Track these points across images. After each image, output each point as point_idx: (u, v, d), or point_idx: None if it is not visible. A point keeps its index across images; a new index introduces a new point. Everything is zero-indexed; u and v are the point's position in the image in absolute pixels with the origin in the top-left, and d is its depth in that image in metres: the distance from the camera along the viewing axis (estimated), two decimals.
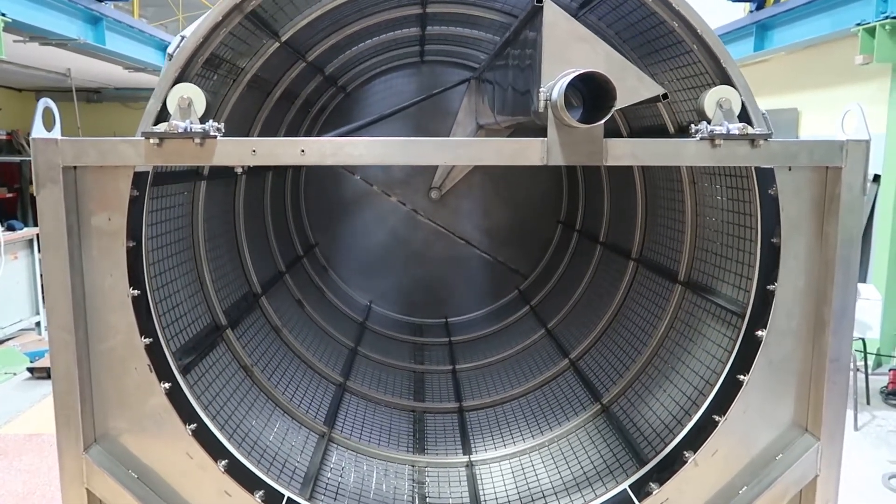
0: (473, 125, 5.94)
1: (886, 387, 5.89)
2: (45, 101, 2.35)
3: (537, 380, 4.23)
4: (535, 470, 3.41)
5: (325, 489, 3.05)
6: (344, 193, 6.00)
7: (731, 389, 2.67)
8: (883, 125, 6.68)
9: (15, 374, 6.64)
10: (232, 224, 3.77)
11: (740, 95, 2.48)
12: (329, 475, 3.18)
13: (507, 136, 4.63)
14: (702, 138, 2.38)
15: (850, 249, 2.48)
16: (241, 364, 3.36)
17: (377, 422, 3.84)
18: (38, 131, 2.29)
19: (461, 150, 2.39)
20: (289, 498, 2.73)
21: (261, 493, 2.62)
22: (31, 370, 6.54)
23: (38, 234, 8.13)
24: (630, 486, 2.81)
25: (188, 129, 2.28)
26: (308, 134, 5.28)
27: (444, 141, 2.36)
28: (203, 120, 2.34)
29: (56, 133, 2.33)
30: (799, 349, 2.63)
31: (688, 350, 3.17)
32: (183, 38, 2.94)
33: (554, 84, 2.30)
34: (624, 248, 4.24)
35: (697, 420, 2.76)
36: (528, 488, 3.27)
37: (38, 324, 7.95)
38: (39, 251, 8.35)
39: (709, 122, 2.44)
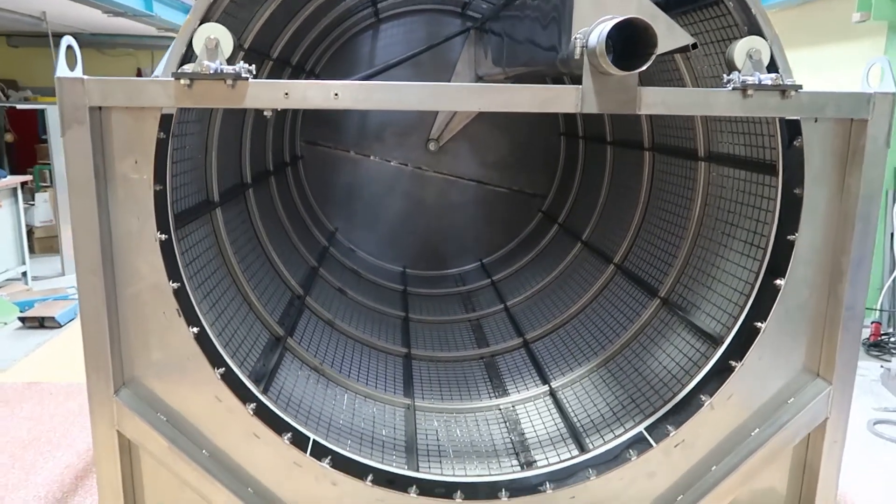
0: (472, 76, 5.89)
1: (868, 338, 6.07)
2: (67, 40, 2.28)
3: (589, 293, 4.24)
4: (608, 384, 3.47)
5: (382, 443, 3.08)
6: (345, 173, 5.95)
7: (748, 336, 2.75)
8: (876, 83, 6.73)
9: (6, 323, 6.57)
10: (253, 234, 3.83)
11: (770, 46, 2.50)
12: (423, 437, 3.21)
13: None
14: (734, 88, 2.40)
15: (871, 201, 2.54)
16: (310, 365, 3.45)
17: (450, 379, 3.88)
18: (62, 70, 2.22)
19: (494, 96, 2.37)
20: (314, 440, 2.78)
21: (288, 435, 2.66)
22: (22, 319, 6.47)
23: (22, 183, 7.95)
24: (646, 429, 2.90)
25: (219, 71, 2.23)
26: None
27: (479, 86, 2.34)
28: (230, 62, 2.29)
29: (79, 72, 2.27)
30: (814, 297, 2.71)
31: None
32: None
33: (590, 30, 2.29)
34: (635, 140, 4.26)
35: (714, 365, 2.85)
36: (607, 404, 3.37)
37: (24, 273, 7.83)
38: (24, 199, 8.19)
39: (738, 73, 2.46)
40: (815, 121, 2.54)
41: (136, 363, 2.53)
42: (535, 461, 3.04)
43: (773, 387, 2.79)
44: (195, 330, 2.52)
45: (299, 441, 2.69)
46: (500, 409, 3.55)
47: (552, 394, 3.62)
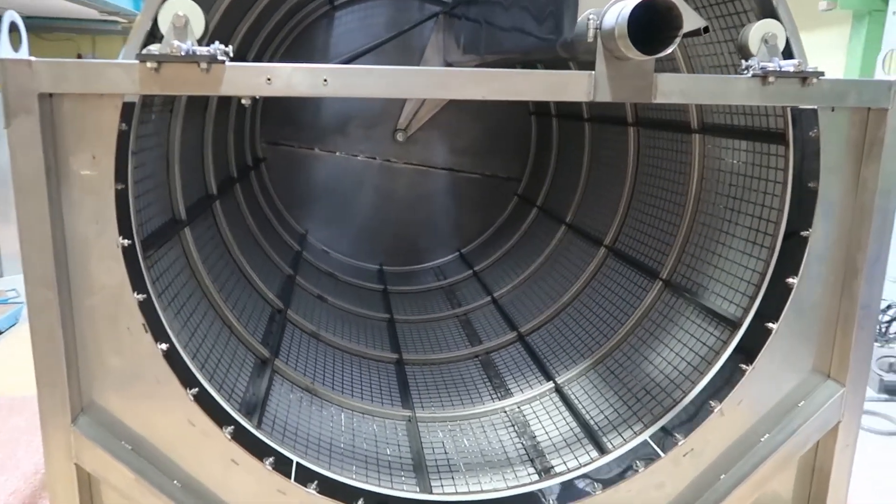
0: (442, 63, 5.66)
1: None
2: (10, 15, 1.96)
3: (582, 278, 4.04)
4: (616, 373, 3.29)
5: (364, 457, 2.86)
6: (311, 172, 5.64)
7: (758, 337, 2.62)
8: (840, 73, 6.80)
9: None
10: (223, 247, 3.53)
11: (785, 30, 2.35)
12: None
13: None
14: (754, 75, 2.24)
15: (890, 196, 2.42)
16: (301, 386, 3.18)
17: (447, 383, 3.66)
18: (5, 51, 1.91)
19: (499, 83, 2.15)
20: (299, 464, 2.53)
21: (270, 459, 2.41)
22: None
23: None
24: (652, 437, 2.75)
25: (191, 52, 1.95)
26: None
27: (482, 73, 2.11)
28: (201, 43, 2.01)
29: (25, 53, 1.95)
30: (827, 296, 2.59)
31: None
32: None
33: (605, 11, 2.09)
34: (616, 116, 4.11)
35: (722, 368, 2.71)
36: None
37: None
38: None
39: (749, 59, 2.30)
40: (833, 110, 2.41)
41: (95, 386, 2.23)
42: (553, 467, 2.85)
43: (784, 390, 2.67)
44: (164, 347, 2.24)
45: (283, 466, 2.43)
46: (505, 412, 3.34)
47: (558, 391, 3.41)
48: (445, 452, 2.94)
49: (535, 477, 2.80)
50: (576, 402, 3.28)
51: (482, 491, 2.63)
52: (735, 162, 3.04)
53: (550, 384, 3.47)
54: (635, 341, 3.40)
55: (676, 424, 2.72)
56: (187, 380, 2.30)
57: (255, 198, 4.90)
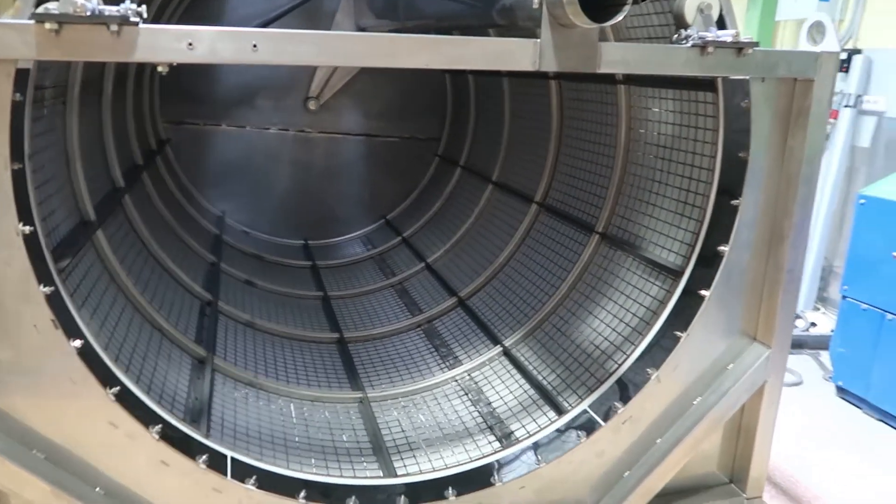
0: (354, 27, 5.43)
1: None
2: None
3: (515, 237, 3.95)
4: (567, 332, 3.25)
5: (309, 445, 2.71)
6: (221, 150, 5.29)
7: (691, 304, 2.68)
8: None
9: None
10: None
11: (720, 1, 2.36)
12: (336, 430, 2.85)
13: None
14: (693, 45, 2.23)
15: (814, 163, 2.51)
16: (244, 381, 2.94)
17: (394, 357, 3.53)
18: None
19: (442, 50, 2.03)
20: (234, 459, 2.37)
21: (204, 457, 2.24)
22: None
23: None
24: (590, 407, 2.77)
25: (97, 12, 1.71)
26: None
27: (426, 39, 1.98)
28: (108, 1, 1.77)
29: None
30: (754, 261, 2.67)
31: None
32: None
33: None
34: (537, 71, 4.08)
35: (656, 336, 2.76)
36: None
37: None
38: None
39: (687, 29, 2.30)
40: (763, 80, 2.45)
41: (1, 392, 1.98)
42: (512, 432, 2.82)
43: (714, 354, 2.75)
44: (77, 344, 2.01)
45: (217, 463, 2.27)
46: (457, 381, 3.27)
47: (507, 354, 3.37)
48: (403, 431, 2.85)
49: (497, 445, 2.76)
50: (527, 364, 3.24)
51: (446, 467, 2.56)
52: (663, 111, 3.05)
53: (499, 348, 3.42)
54: (578, 296, 3.38)
55: (615, 392, 2.76)
56: (106, 378, 2.08)
57: (165, 184, 4.54)
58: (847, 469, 3.83)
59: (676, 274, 2.76)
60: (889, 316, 4.18)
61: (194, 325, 3.10)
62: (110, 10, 1.71)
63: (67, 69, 2.66)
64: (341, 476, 2.42)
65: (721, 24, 2.38)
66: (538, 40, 2.06)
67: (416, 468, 2.58)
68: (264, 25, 4.75)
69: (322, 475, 2.45)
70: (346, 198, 5.54)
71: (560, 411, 2.80)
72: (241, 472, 2.30)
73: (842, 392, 4.63)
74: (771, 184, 2.59)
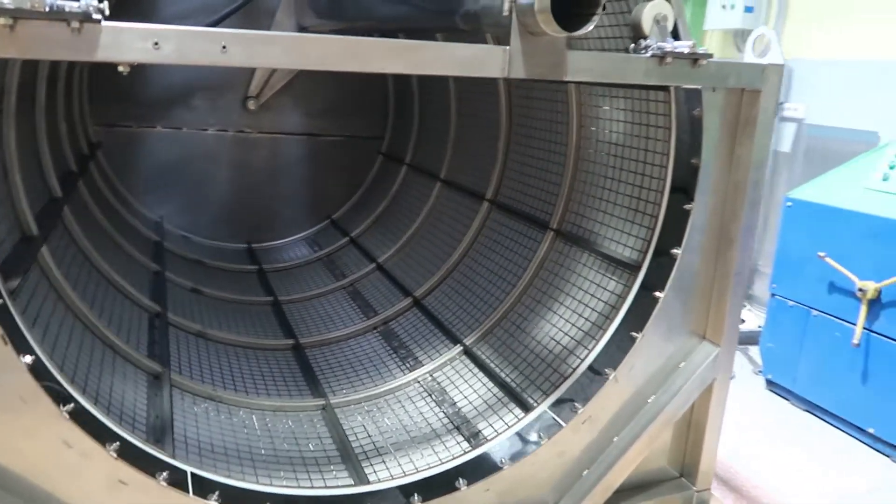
0: (295, 27, 5.33)
1: None
2: None
3: (468, 235, 3.92)
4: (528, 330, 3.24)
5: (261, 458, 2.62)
6: (157, 153, 5.06)
7: (646, 305, 2.76)
8: None
9: None
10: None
11: (674, 12, 2.44)
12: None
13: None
14: (653, 55, 2.30)
15: (761, 170, 2.64)
16: (203, 395, 2.82)
17: (353, 362, 3.45)
18: None
19: (419, 55, 2.02)
20: (192, 473, 2.28)
21: (164, 474, 2.14)
22: None
23: None
24: (550, 408, 2.81)
25: (56, 7, 1.61)
26: None
27: (402, 44, 1.97)
28: None
29: None
30: (704, 263, 2.78)
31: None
32: None
33: None
34: None
35: (613, 336, 2.83)
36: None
37: None
38: None
39: (645, 39, 2.37)
40: (713, 90, 2.56)
41: None
42: (480, 431, 2.82)
43: (666, 353, 2.85)
44: (28, 360, 1.89)
45: (178, 480, 2.18)
46: (419, 383, 3.24)
47: (468, 353, 3.36)
48: (369, 436, 2.81)
49: (466, 444, 2.75)
50: (488, 362, 3.25)
51: (416, 470, 2.54)
52: (614, 109, 3.12)
53: (459, 347, 3.42)
54: (536, 293, 3.41)
55: (575, 392, 2.81)
56: (60, 396, 1.97)
57: (100, 191, 4.31)
58: (780, 458, 4.04)
59: (633, 269, 2.84)
60: (814, 312, 4.45)
61: (145, 339, 2.96)
62: (71, 5, 1.62)
63: (3, 73, 2.49)
64: (311, 487, 2.37)
65: (675, 34, 2.47)
66: (507, 48, 2.08)
67: (387, 473, 2.55)
68: (213, 25, 4.60)
69: (285, 487, 2.39)
70: (289, 199, 5.43)
71: (526, 408, 2.83)
72: (204, 487, 2.22)
73: (771, 385, 4.89)
74: (720, 189, 2.70)
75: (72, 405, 1.98)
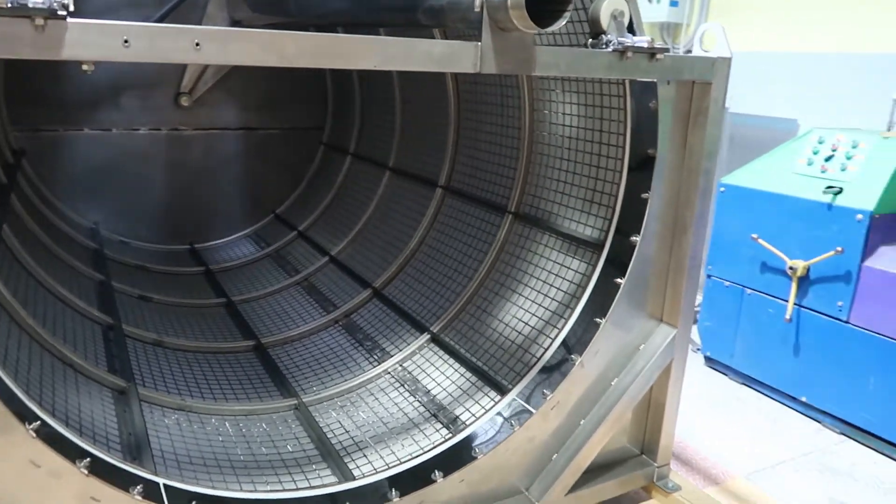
0: (227, 20, 5.17)
1: None
2: None
3: (423, 223, 3.88)
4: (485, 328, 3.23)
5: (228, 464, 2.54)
6: (86, 157, 4.80)
7: (608, 292, 2.85)
8: None
9: None
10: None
11: (629, 8, 2.52)
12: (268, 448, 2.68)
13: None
14: (614, 50, 2.37)
15: (712, 159, 2.76)
16: (172, 407, 2.68)
17: (319, 359, 3.37)
18: None
19: (390, 50, 2.01)
20: (165, 484, 2.21)
21: (138, 488, 2.07)
22: None
23: None
24: (518, 395, 2.87)
25: (18, 3, 1.51)
26: None
27: (377, 40, 1.95)
28: None
29: None
30: (660, 249, 2.90)
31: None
32: None
33: None
34: None
35: (577, 322, 2.90)
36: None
37: None
38: None
39: (604, 34, 2.44)
40: (668, 83, 2.65)
41: None
42: (457, 416, 2.82)
43: (627, 336, 2.95)
44: None
45: (153, 493, 2.11)
46: (389, 374, 3.21)
47: (436, 340, 3.36)
48: (347, 431, 2.78)
49: (445, 431, 2.76)
50: (458, 347, 3.26)
51: (399, 461, 2.54)
52: (566, 92, 3.17)
53: (426, 335, 3.41)
54: (499, 276, 3.45)
55: (543, 378, 2.88)
56: (24, 414, 1.86)
57: (29, 200, 4.05)
58: (722, 429, 4.26)
59: (595, 247, 2.91)
60: (749, 291, 4.69)
61: (103, 353, 2.82)
62: (34, 1, 1.52)
63: None
64: (296, 489, 2.33)
65: (630, 29, 2.55)
66: (479, 43, 2.09)
67: (370, 467, 2.54)
68: (160, 20, 4.39)
69: (269, 492, 2.35)
70: (230, 195, 5.28)
71: (501, 390, 2.87)
72: (179, 498, 2.15)
73: (710, 361, 5.13)
74: (674, 177, 2.82)
75: (38, 423, 1.88)
